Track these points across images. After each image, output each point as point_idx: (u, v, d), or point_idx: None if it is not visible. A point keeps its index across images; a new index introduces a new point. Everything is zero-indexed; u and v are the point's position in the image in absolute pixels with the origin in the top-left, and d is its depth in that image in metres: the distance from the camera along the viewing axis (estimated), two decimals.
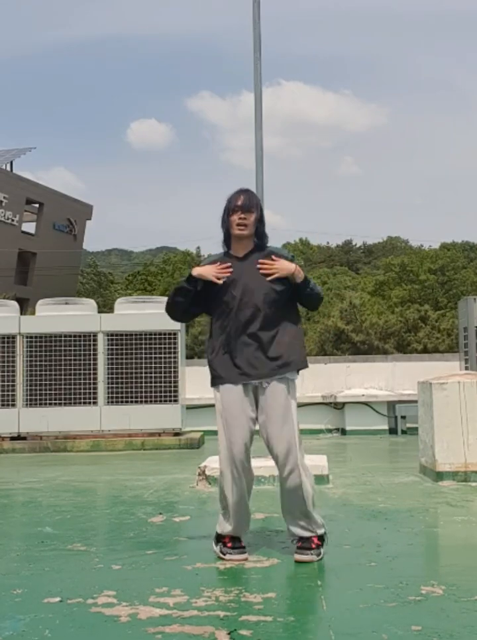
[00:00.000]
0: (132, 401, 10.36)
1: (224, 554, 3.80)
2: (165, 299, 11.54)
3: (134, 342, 10.40)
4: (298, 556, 3.72)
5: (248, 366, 3.78)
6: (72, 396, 10.37)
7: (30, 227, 48.73)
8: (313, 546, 3.76)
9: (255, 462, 6.33)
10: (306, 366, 3.92)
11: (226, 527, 3.85)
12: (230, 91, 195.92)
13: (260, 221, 3.96)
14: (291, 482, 3.78)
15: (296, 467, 3.77)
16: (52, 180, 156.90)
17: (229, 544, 3.83)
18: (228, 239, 3.98)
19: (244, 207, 3.86)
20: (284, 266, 3.82)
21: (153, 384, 10.36)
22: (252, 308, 3.81)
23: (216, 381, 3.86)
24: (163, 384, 10.37)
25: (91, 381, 10.37)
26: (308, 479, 3.84)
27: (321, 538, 3.83)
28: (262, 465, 6.24)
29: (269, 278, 3.82)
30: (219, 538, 3.90)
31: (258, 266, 3.85)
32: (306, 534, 3.79)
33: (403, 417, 11.62)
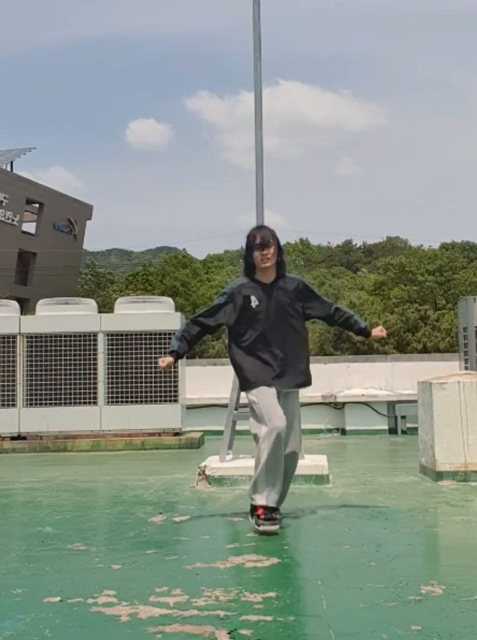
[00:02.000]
0: (132, 401, 10.36)
1: (259, 526, 4.27)
2: (166, 298, 11.56)
3: (134, 342, 10.40)
4: (270, 528, 4.27)
5: (278, 375, 4.47)
6: (72, 396, 10.36)
7: (30, 227, 48.74)
8: (275, 516, 4.36)
9: (254, 462, 6.33)
10: (309, 384, 4.72)
11: (259, 498, 4.36)
12: (228, 91, 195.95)
13: (279, 251, 4.60)
14: (291, 463, 4.58)
15: (298, 452, 4.65)
16: (51, 180, 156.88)
17: (262, 516, 4.29)
18: (250, 269, 4.60)
19: (263, 244, 4.49)
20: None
21: (153, 384, 10.36)
22: (281, 327, 4.51)
23: (250, 386, 4.48)
24: (163, 384, 10.37)
25: (91, 381, 10.37)
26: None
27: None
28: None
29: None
30: (253, 511, 4.39)
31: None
32: (281, 502, 4.52)
33: (403, 417, 11.62)
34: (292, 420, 4.52)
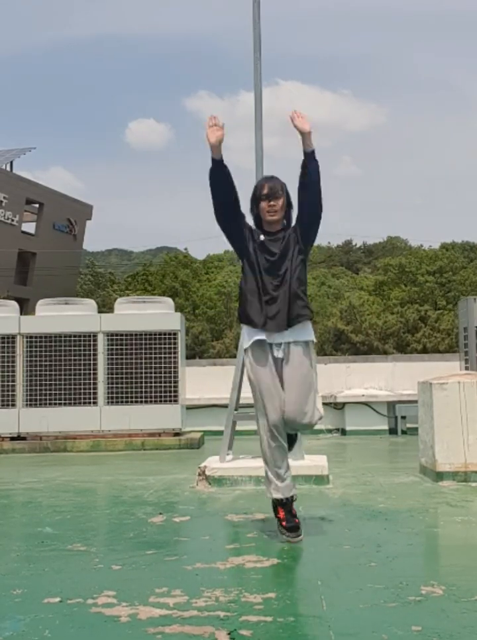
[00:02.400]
0: (132, 401, 10.36)
1: (282, 534, 4.14)
2: (165, 299, 11.52)
3: (134, 342, 10.40)
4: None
5: (273, 322, 4.10)
6: (72, 396, 10.36)
7: (30, 227, 48.73)
8: (297, 520, 4.15)
9: (254, 462, 6.34)
10: (311, 316, 4.28)
11: (273, 492, 4.18)
12: (228, 90, 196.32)
13: (289, 205, 4.22)
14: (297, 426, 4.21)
15: (306, 415, 4.13)
16: (50, 180, 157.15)
17: (284, 523, 4.14)
18: (258, 222, 4.24)
19: (271, 194, 4.12)
20: (306, 123, 4.16)
21: (153, 384, 10.36)
22: (282, 271, 4.13)
23: (243, 322, 4.24)
24: (163, 384, 10.36)
25: (91, 381, 10.37)
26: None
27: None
28: (262, 465, 6.24)
29: (298, 126, 4.14)
30: (275, 511, 4.22)
31: (293, 116, 4.17)
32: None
33: (403, 417, 11.62)
34: (296, 376, 4.10)
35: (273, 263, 4.16)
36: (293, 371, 4.10)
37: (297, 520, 4.17)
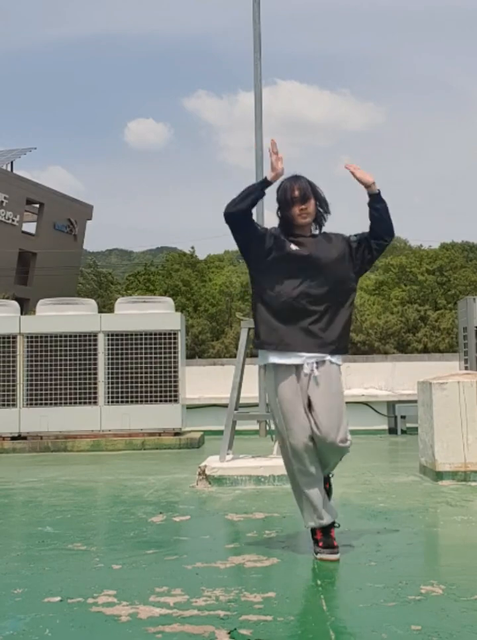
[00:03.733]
0: (132, 401, 10.37)
1: (317, 554, 3.79)
2: (166, 298, 11.51)
3: (134, 342, 10.41)
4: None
5: (300, 342, 3.72)
6: (72, 396, 10.37)
7: (30, 227, 48.74)
8: (335, 543, 3.77)
9: (254, 462, 6.35)
10: (347, 352, 3.94)
11: (307, 520, 3.84)
12: (227, 90, 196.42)
13: (320, 205, 3.89)
14: (331, 453, 3.87)
15: (337, 437, 3.86)
16: (49, 179, 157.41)
17: (320, 543, 3.82)
18: (286, 226, 3.87)
19: (302, 197, 3.78)
20: (365, 174, 3.89)
21: (153, 384, 10.37)
22: (317, 284, 3.74)
23: (264, 348, 3.81)
24: (163, 384, 10.37)
25: (91, 381, 10.38)
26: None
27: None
28: (262, 465, 6.25)
29: (362, 179, 3.87)
30: (312, 533, 3.87)
31: (347, 167, 3.88)
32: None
33: (403, 417, 11.63)
34: (325, 398, 3.77)
35: (307, 275, 3.76)
36: (325, 391, 3.80)
37: (335, 543, 3.82)
